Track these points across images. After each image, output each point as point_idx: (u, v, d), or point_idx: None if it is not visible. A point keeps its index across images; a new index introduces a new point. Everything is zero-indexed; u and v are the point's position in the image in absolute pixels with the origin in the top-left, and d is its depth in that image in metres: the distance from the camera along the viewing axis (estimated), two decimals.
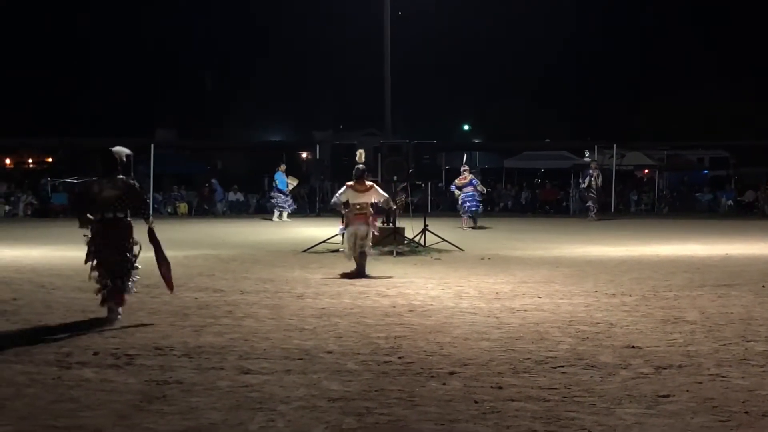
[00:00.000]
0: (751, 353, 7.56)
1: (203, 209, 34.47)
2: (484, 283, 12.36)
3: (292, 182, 28.43)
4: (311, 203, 33.13)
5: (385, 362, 7.23)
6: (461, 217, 24.19)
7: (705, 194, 36.94)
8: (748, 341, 8.07)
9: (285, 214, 28.48)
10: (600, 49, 60.82)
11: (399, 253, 16.43)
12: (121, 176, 9.43)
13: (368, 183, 13.80)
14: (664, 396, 6.16)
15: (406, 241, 17.50)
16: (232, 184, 36.29)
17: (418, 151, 18.26)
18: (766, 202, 32.61)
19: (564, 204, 36.57)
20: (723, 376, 6.73)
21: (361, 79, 51.73)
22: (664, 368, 6.99)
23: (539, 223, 27.71)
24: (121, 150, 9.62)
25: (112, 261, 9.29)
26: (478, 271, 13.82)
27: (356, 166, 14.27)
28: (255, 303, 10.43)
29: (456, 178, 24.99)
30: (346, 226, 13.57)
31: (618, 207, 35.11)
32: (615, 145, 36.27)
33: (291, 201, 28.93)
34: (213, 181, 36.03)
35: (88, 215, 9.44)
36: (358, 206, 13.52)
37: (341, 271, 13.44)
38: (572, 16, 58.31)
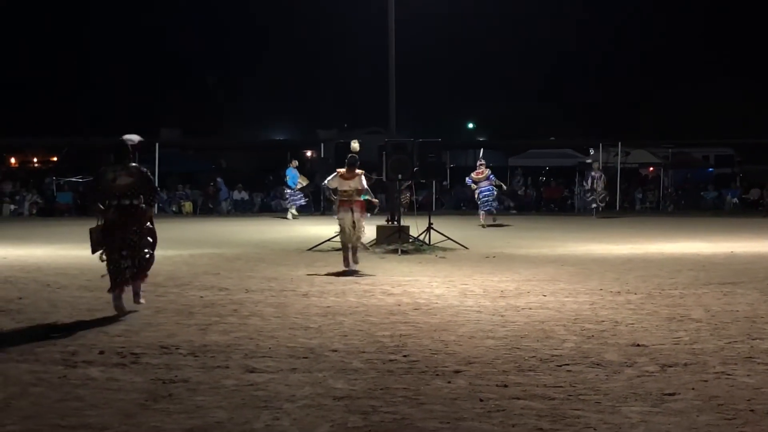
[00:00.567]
0: (756, 351, 7.55)
1: (208, 208, 34.47)
2: (489, 281, 12.35)
3: (303, 182, 28.43)
4: (316, 202, 33.14)
5: (391, 361, 7.23)
6: (479, 213, 24.24)
7: (710, 192, 36.87)
8: (753, 339, 8.06)
9: (293, 210, 28.48)
10: (605, 46, 60.81)
11: (404, 252, 16.44)
12: (134, 163, 9.64)
13: (357, 171, 14.02)
14: (670, 394, 6.16)
15: (410, 240, 17.51)
16: (236, 183, 36.29)
17: (423, 149, 18.26)
18: None
19: (569, 202, 36.53)
20: (728, 374, 6.72)
21: (366, 77, 51.82)
22: (670, 366, 6.98)
23: (544, 221, 27.67)
24: (132, 137, 9.83)
25: (129, 243, 9.44)
26: (482, 270, 13.81)
27: (350, 155, 14.50)
28: (260, 301, 10.43)
29: (472, 172, 24.86)
30: (345, 211, 13.87)
31: (623, 205, 35.08)
32: (620, 143, 36.25)
33: (300, 196, 28.89)
34: (218, 180, 36.03)
35: (100, 205, 9.56)
36: (344, 192, 13.87)
37: (337, 267, 13.64)
38: (577, 14, 58.28)
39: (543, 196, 37.12)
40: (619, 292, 11.19)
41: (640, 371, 6.84)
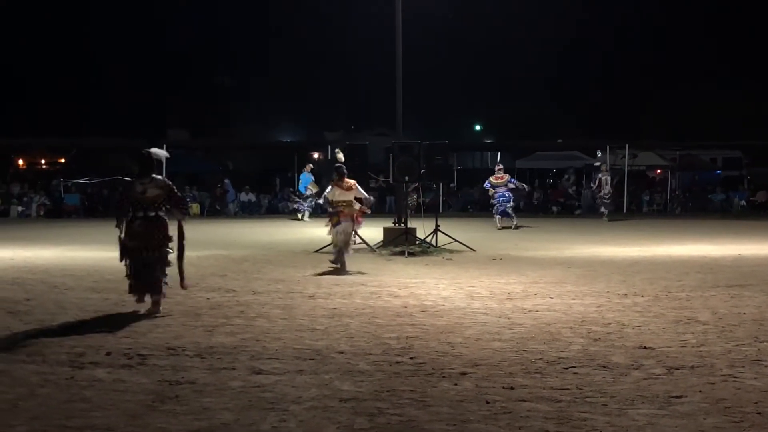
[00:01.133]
0: (763, 354, 7.53)
1: (215, 209, 34.52)
2: (496, 283, 12.35)
3: (312, 188, 28.37)
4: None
5: (397, 362, 7.23)
6: (495, 217, 24.28)
7: (717, 194, 36.78)
8: (760, 342, 8.04)
9: (306, 215, 28.51)
10: (613, 48, 60.77)
11: (410, 254, 16.44)
12: (159, 176, 9.94)
13: (350, 181, 14.46)
14: (677, 397, 6.15)
15: (417, 242, 17.50)
16: (243, 184, 36.35)
17: (430, 151, 18.22)
18: None
19: (576, 204, 36.47)
20: (735, 377, 6.71)
21: (373, 79, 51.84)
22: (677, 369, 6.98)
23: (551, 224, 27.63)
24: (160, 152, 10.18)
25: (152, 255, 9.72)
26: (489, 272, 13.81)
27: (337, 165, 14.82)
28: (267, 303, 10.45)
29: (491, 176, 24.84)
30: (337, 223, 14.16)
31: (630, 207, 35.02)
32: (627, 145, 36.20)
33: (311, 202, 28.82)
34: (225, 181, 36.09)
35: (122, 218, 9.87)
36: (343, 203, 14.26)
37: (349, 270, 13.68)
38: (585, 16, 58.24)
39: (550, 198, 37.07)
40: (626, 294, 11.17)
41: (647, 374, 6.83)
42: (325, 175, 33.32)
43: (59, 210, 32.56)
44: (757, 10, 53.01)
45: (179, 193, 10.21)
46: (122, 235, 9.77)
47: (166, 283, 9.88)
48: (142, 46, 57.52)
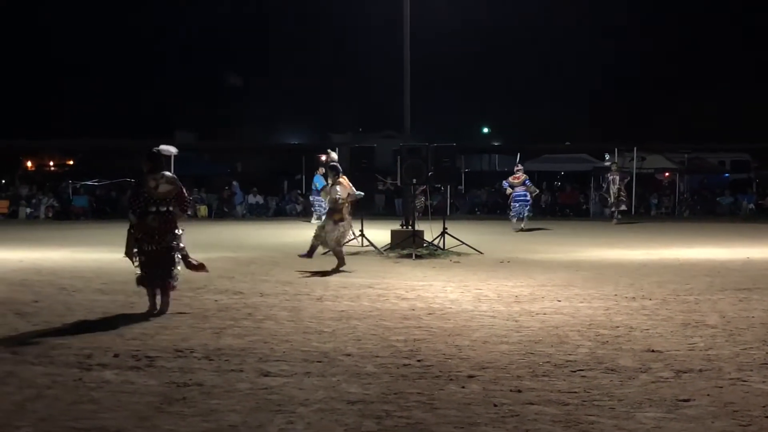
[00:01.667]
0: None
1: (223, 211, 34.57)
2: (504, 286, 12.33)
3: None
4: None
5: (404, 365, 7.23)
6: (511, 219, 24.32)
7: (726, 197, 36.69)
8: None
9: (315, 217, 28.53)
10: (622, 51, 60.70)
11: (418, 256, 16.43)
12: (168, 172, 10.06)
13: (345, 178, 14.74)
14: (685, 400, 6.13)
15: (425, 244, 17.49)
16: (251, 186, 36.39)
17: (438, 153, 18.19)
18: None
19: (584, 207, 36.43)
20: (744, 381, 6.69)
21: (380, 81, 51.85)
22: (685, 372, 6.96)
23: (559, 226, 27.59)
24: (169, 149, 10.27)
25: (163, 252, 9.88)
26: (497, 274, 13.79)
27: (332, 164, 14.97)
28: (274, 305, 10.45)
29: (510, 176, 24.87)
30: (340, 221, 14.42)
31: (638, 210, 34.95)
32: (635, 148, 36.14)
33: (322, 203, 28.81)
34: (233, 183, 36.13)
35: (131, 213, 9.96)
36: (346, 201, 14.50)
37: (356, 272, 13.61)
38: (593, 19, 58.21)
39: (558, 201, 37.03)
40: (633, 297, 11.15)
41: (654, 377, 6.81)
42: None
43: (67, 212, 32.67)
44: (765, 12, 52.92)
45: (185, 192, 10.29)
46: (132, 230, 9.85)
47: (176, 278, 10.02)
48: (150, 48, 57.66)
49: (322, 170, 28.76)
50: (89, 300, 10.81)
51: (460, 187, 37.37)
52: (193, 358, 7.48)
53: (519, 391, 6.38)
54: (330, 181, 14.70)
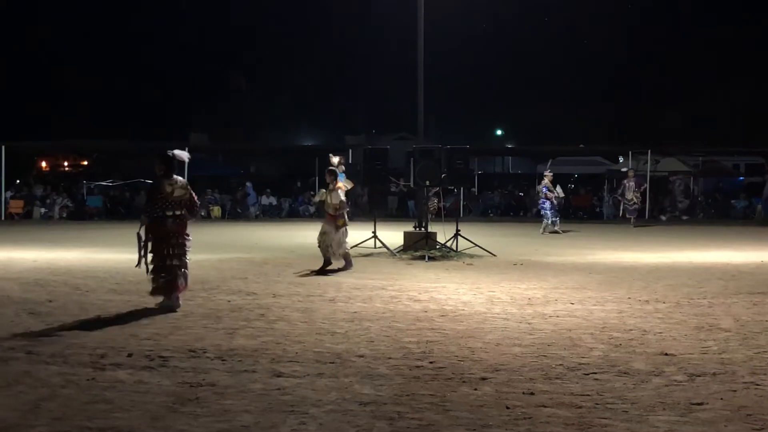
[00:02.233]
0: None
1: (236, 212, 34.62)
2: (517, 288, 12.32)
3: (348, 185, 28.30)
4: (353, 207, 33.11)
5: (417, 367, 7.23)
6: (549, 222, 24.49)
7: (740, 201, 36.51)
8: None
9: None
10: (636, 54, 60.54)
11: (431, 258, 16.43)
12: (180, 177, 10.35)
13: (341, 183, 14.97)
14: (698, 404, 6.11)
15: (438, 246, 17.49)
16: (265, 187, 36.45)
17: (451, 155, 18.20)
18: None
19: (597, 210, 36.32)
20: (757, 384, 6.67)
21: (394, 83, 51.87)
22: (698, 376, 6.94)
23: (572, 229, 27.52)
24: (183, 154, 10.44)
25: (175, 254, 10.11)
26: (510, 277, 13.78)
27: (331, 168, 15.15)
28: (287, 306, 10.47)
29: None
30: (344, 226, 14.57)
31: (652, 213, 34.83)
32: (649, 151, 36.02)
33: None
34: (247, 184, 36.20)
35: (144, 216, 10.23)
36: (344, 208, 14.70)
37: (369, 273, 13.63)
38: (606, 21, 58.06)
39: (572, 203, 36.91)
40: (647, 300, 11.12)
41: (668, 380, 6.79)
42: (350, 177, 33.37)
43: (81, 212, 32.78)
44: None
45: (195, 196, 10.53)
46: (141, 233, 10.04)
47: (185, 276, 10.24)
48: (164, 50, 57.83)
49: (342, 168, 28.87)
50: (103, 300, 10.86)
51: (473, 189, 37.32)
52: (206, 358, 7.50)
53: (532, 394, 6.37)
54: (330, 186, 14.67)
